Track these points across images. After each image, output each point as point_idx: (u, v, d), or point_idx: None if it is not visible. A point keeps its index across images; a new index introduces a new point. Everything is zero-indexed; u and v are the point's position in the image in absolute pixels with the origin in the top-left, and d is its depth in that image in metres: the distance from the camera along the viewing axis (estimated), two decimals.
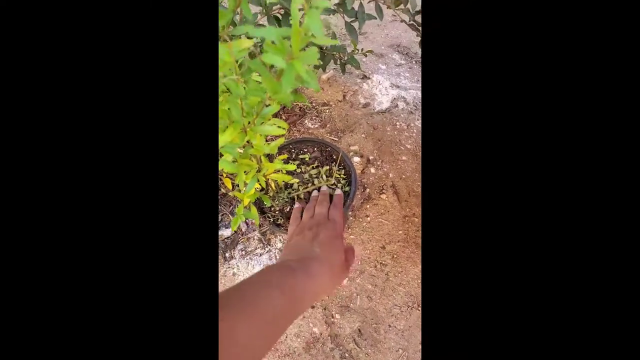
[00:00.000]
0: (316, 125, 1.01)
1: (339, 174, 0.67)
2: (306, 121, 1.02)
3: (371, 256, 0.82)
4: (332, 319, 0.74)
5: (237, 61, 0.27)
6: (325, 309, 0.75)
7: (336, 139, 0.97)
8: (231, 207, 0.88)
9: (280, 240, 0.83)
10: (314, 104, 1.04)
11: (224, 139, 0.31)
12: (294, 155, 0.70)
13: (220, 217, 0.87)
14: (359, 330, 0.73)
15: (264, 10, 0.54)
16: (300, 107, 1.05)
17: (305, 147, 0.71)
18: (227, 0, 0.35)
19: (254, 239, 0.83)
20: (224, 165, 0.32)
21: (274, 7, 0.55)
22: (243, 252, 0.81)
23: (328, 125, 1.01)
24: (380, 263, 0.81)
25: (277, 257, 0.81)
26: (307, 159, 0.70)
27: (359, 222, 0.85)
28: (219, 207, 0.87)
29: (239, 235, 0.84)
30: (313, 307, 0.75)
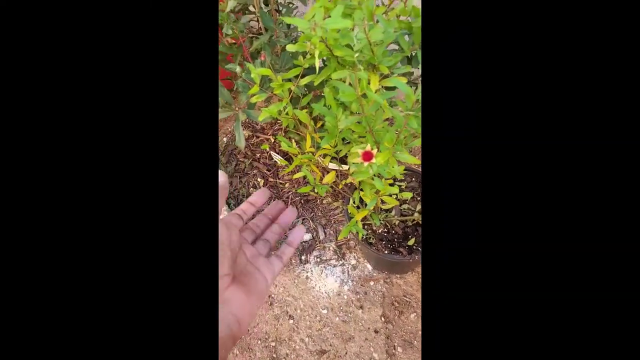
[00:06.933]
0: None
1: None
2: None
3: None
4: (394, 351, 0.73)
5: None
6: (388, 337, 0.74)
7: None
8: (312, 214, 0.93)
9: (354, 257, 0.85)
10: None
11: (378, 160, 0.35)
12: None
13: (301, 221, 0.93)
14: None
15: None
16: None
17: (403, 176, 0.73)
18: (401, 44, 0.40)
19: (329, 249, 0.87)
20: (377, 182, 0.36)
21: None
22: (318, 259, 0.85)
23: None
24: None
25: (350, 274, 0.83)
26: (403, 187, 0.72)
27: None
28: (301, 211, 0.93)
29: (316, 242, 0.88)
30: (376, 331, 0.75)
